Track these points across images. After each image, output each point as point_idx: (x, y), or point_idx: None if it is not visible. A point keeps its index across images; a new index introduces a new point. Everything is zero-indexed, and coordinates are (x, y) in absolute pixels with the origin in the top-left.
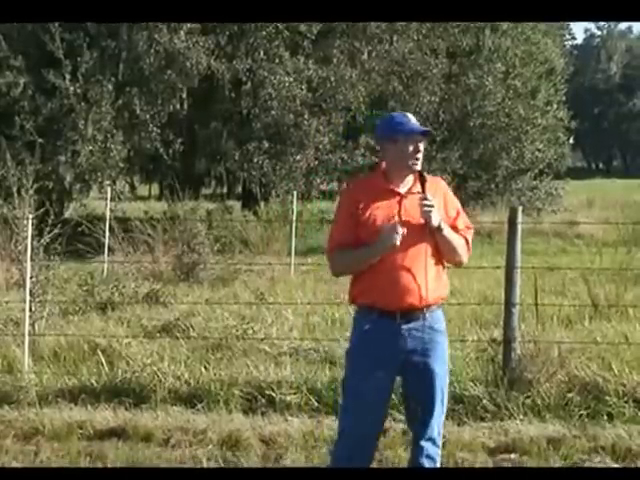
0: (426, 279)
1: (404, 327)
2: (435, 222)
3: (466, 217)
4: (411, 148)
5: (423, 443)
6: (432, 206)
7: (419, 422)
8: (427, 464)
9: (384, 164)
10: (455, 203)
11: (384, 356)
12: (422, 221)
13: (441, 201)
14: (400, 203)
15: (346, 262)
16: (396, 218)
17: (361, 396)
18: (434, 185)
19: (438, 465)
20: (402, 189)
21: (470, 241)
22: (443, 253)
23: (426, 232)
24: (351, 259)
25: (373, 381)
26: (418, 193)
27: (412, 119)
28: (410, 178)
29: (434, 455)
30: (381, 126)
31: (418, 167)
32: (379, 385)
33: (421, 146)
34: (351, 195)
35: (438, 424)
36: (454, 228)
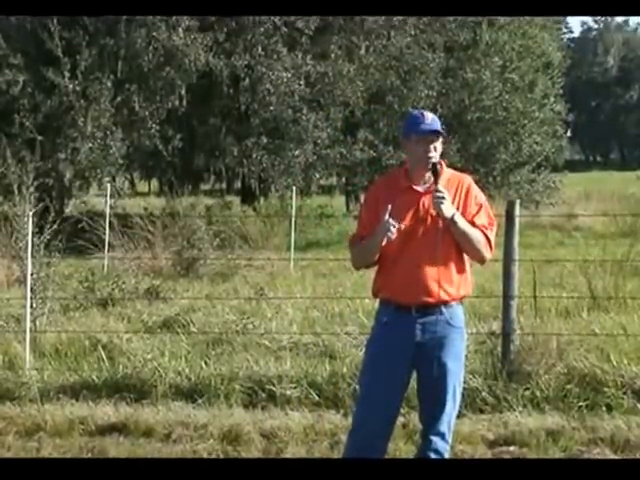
0: (440, 276)
1: (419, 320)
2: (447, 213)
3: (491, 214)
4: (422, 148)
5: (432, 437)
6: (443, 197)
7: (430, 416)
8: (434, 458)
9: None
10: (479, 199)
11: (398, 348)
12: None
13: (462, 195)
14: (419, 201)
15: (357, 254)
16: (406, 222)
17: (374, 390)
18: (456, 179)
19: None
20: (422, 187)
21: (491, 238)
22: (463, 248)
23: (446, 229)
24: (358, 251)
25: (387, 374)
26: (435, 190)
27: (427, 118)
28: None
29: (442, 450)
30: (402, 124)
31: (433, 160)
32: (393, 379)
33: (432, 146)
34: (373, 192)
35: (448, 420)
36: (472, 223)
